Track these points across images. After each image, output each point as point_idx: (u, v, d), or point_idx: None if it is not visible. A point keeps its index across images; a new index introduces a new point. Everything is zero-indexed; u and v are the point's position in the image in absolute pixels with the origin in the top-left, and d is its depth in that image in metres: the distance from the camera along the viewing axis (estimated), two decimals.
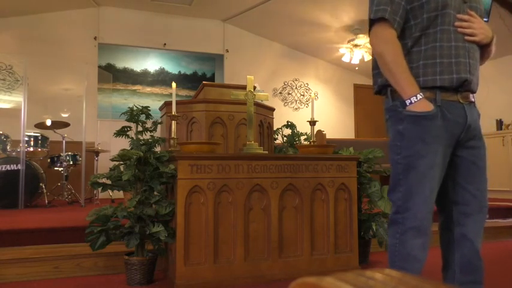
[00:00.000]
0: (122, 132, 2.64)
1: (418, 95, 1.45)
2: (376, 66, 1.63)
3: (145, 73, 6.98)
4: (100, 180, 2.52)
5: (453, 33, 1.50)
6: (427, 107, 1.46)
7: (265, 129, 3.46)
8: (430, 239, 1.52)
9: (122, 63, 6.86)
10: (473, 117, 1.55)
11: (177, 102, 2.98)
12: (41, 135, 5.08)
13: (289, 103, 7.83)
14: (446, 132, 1.49)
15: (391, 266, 1.55)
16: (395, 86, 1.49)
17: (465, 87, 1.51)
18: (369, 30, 1.58)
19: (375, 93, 1.71)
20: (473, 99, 1.57)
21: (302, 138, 3.83)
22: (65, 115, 6.01)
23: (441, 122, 1.48)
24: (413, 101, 1.45)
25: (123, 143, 2.74)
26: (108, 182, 2.56)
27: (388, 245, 1.56)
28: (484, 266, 1.58)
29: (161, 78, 7.06)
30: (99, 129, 6.25)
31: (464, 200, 1.56)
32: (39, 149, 5.05)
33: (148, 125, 2.70)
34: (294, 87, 7.90)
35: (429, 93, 1.49)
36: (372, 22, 1.55)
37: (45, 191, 4.82)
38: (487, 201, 1.60)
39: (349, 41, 6.96)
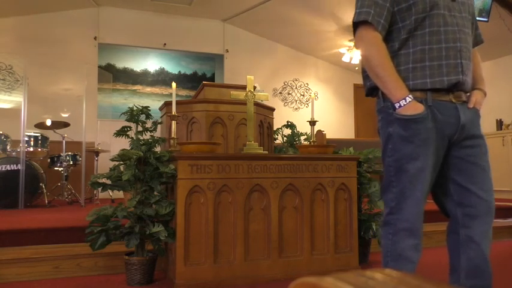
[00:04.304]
0: (122, 132, 2.64)
1: (407, 98, 1.42)
2: (364, 69, 1.60)
3: (145, 73, 6.98)
4: (100, 180, 2.51)
5: (443, 34, 1.46)
6: (417, 109, 1.43)
7: (265, 129, 3.46)
8: (423, 240, 1.51)
9: (122, 63, 6.86)
10: (468, 117, 1.51)
11: (177, 102, 2.98)
12: (41, 135, 5.08)
13: (289, 103, 7.83)
14: (437, 134, 1.46)
15: (384, 266, 1.54)
16: (384, 89, 1.47)
17: (457, 87, 1.48)
18: (354, 33, 1.55)
19: (366, 95, 1.67)
20: (466, 99, 1.53)
21: (302, 138, 3.84)
22: (65, 115, 6.01)
23: (431, 123, 1.45)
24: (402, 104, 1.43)
25: (123, 143, 2.74)
26: (108, 182, 2.56)
27: (381, 246, 1.55)
28: (491, 270, 1.56)
29: (161, 78, 7.06)
30: (99, 129, 6.24)
31: (470, 202, 1.52)
32: (39, 149, 5.05)
33: (148, 125, 2.70)
34: (294, 87, 7.90)
35: (419, 93, 1.46)
36: (356, 25, 1.52)
37: (45, 191, 4.82)
38: (494, 202, 1.55)
39: (349, 41, 6.96)
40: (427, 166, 1.46)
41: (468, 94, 1.56)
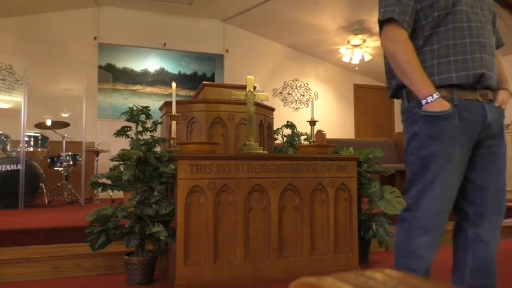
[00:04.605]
0: (122, 132, 2.64)
1: (434, 95, 1.43)
2: (390, 69, 1.61)
3: (145, 73, 6.98)
4: (100, 180, 2.51)
5: (467, 30, 1.47)
6: (444, 106, 1.43)
7: (265, 129, 3.46)
8: (441, 238, 1.50)
9: (122, 63, 6.86)
10: (494, 116, 1.51)
11: (177, 102, 2.98)
12: (41, 135, 5.08)
13: (289, 103, 7.83)
14: (464, 133, 1.46)
15: (396, 263, 1.53)
16: (410, 86, 1.47)
17: (482, 83, 1.48)
18: (380, 32, 1.56)
19: (390, 96, 1.67)
20: (492, 97, 1.53)
21: (302, 138, 3.84)
22: (65, 115, 6.01)
23: (458, 122, 1.45)
24: (429, 101, 1.43)
25: (123, 143, 2.74)
26: (108, 182, 2.56)
27: (395, 242, 1.55)
28: (496, 271, 1.56)
29: (161, 78, 7.06)
30: (99, 129, 6.24)
31: (483, 202, 1.53)
32: (39, 149, 5.04)
33: (148, 125, 2.70)
34: (294, 87, 7.89)
35: (446, 92, 1.46)
36: (382, 24, 1.53)
37: (45, 191, 4.82)
38: (505, 203, 1.57)
39: (349, 41, 6.96)
40: (450, 164, 1.46)
41: (494, 93, 1.56)
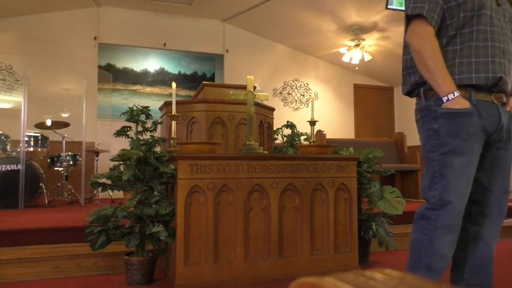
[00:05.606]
0: (122, 132, 2.63)
1: (455, 92, 1.45)
2: (407, 66, 1.62)
3: (145, 73, 6.97)
4: (100, 180, 2.51)
5: (490, 34, 1.51)
6: (464, 104, 1.45)
7: (265, 129, 3.46)
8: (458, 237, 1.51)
9: (122, 63, 6.86)
10: (506, 119, 1.55)
11: (177, 102, 2.98)
12: (41, 135, 5.08)
13: (289, 103, 7.83)
14: (482, 131, 1.49)
15: (412, 262, 1.52)
16: (432, 82, 1.49)
17: (499, 87, 1.51)
18: (406, 26, 1.58)
19: (405, 93, 1.68)
20: (505, 101, 1.57)
21: (302, 138, 3.84)
22: (65, 115, 6.01)
23: (478, 120, 1.48)
24: (450, 98, 1.45)
25: (123, 143, 2.74)
26: (108, 182, 2.56)
27: (413, 240, 1.54)
28: (494, 270, 1.57)
29: (161, 78, 7.06)
30: (99, 129, 6.24)
31: (485, 201, 1.56)
32: (39, 149, 5.05)
33: (148, 125, 2.70)
34: (294, 87, 7.89)
35: (464, 92, 1.48)
36: (409, 18, 1.55)
37: (45, 191, 4.82)
38: (507, 204, 1.59)
39: (349, 41, 6.96)
40: (471, 162, 1.48)
41: (507, 97, 1.59)
